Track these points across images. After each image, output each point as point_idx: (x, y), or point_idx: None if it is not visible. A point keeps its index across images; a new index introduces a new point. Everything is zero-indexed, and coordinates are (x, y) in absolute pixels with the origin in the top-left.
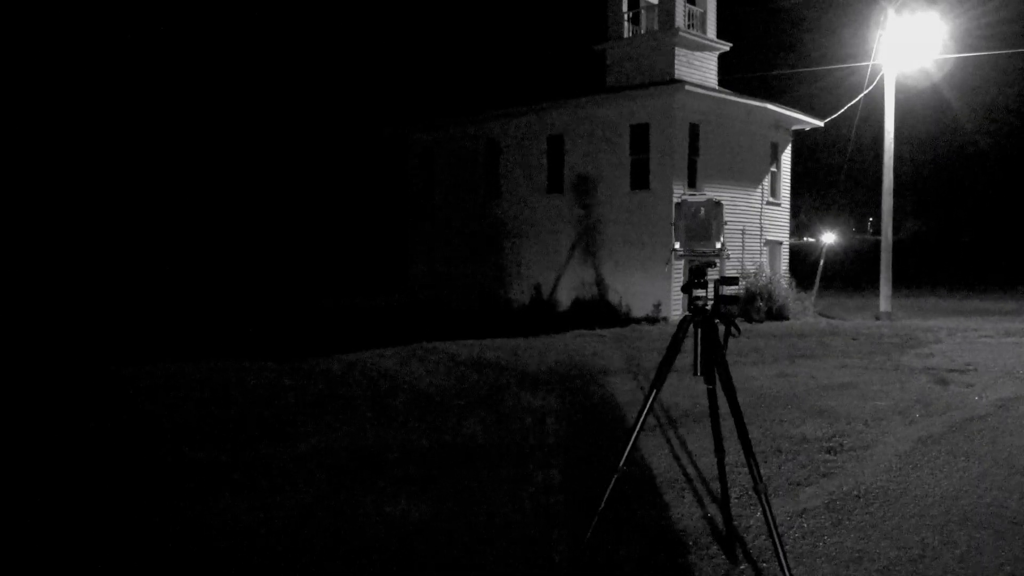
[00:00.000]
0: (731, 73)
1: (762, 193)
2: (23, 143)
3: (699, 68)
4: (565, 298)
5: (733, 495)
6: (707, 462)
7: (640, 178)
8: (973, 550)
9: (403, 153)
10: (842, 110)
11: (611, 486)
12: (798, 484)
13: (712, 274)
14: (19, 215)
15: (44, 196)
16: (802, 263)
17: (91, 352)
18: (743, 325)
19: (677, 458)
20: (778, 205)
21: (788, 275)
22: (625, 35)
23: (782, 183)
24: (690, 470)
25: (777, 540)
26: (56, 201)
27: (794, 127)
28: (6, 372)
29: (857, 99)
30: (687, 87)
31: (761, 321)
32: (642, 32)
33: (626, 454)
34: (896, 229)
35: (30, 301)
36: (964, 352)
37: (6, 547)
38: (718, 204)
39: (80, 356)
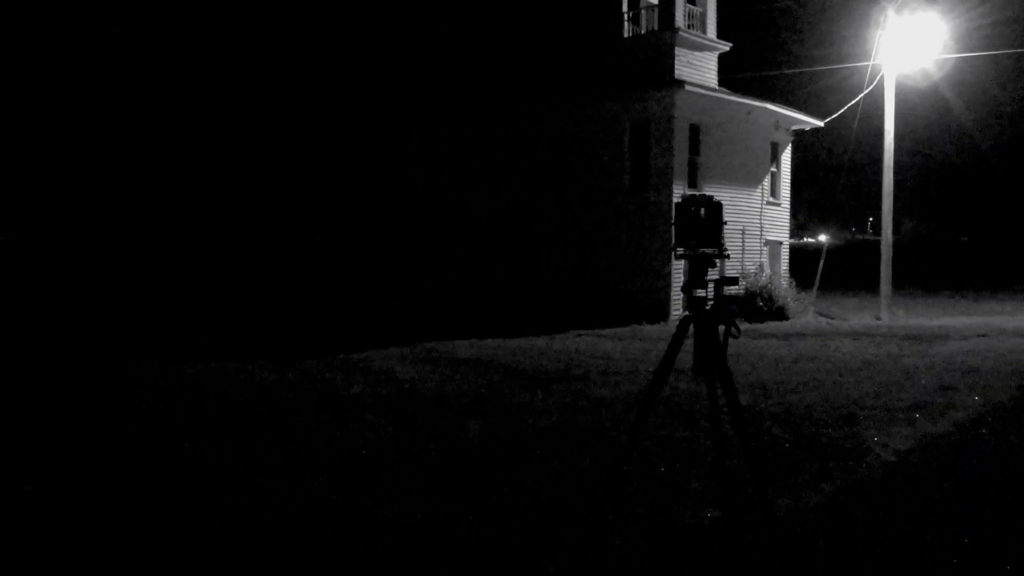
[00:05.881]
0: (731, 73)
1: (762, 193)
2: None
3: (699, 68)
4: (565, 297)
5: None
6: (708, 461)
7: (640, 178)
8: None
9: (405, 152)
10: (842, 110)
11: (609, 484)
12: (797, 484)
13: (712, 274)
14: (67, 216)
15: (73, 197)
16: (802, 263)
17: (99, 350)
18: (743, 325)
19: (678, 457)
20: (778, 205)
21: (788, 275)
22: (625, 35)
23: (782, 183)
24: (692, 470)
25: (776, 538)
26: (69, 202)
27: (794, 127)
28: (22, 371)
29: (857, 99)
30: (687, 87)
31: (761, 321)
32: (642, 32)
33: (626, 455)
34: (896, 229)
35: (55, 299)
36: (964, 352)
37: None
38: (718, 204)
39: (86, 354)
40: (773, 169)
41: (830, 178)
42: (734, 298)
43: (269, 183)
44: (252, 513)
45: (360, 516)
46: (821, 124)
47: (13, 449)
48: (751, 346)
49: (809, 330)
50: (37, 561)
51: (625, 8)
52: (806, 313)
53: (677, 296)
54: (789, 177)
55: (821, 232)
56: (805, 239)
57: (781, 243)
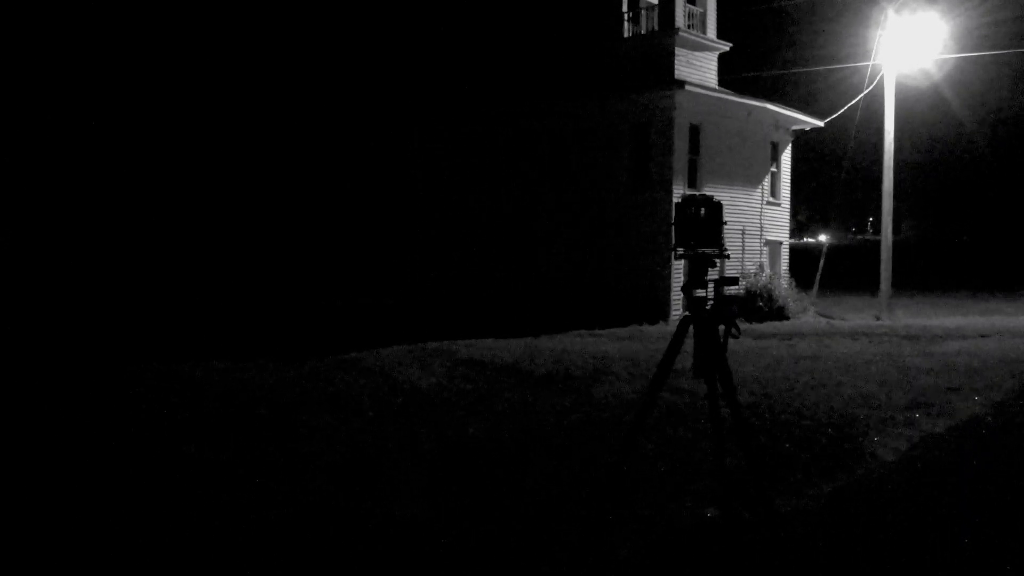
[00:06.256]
0: (731, 73)
1: (762, 193)
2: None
3: (699, 68)
4: (565, 297)
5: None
6: (708, 461)
7: (640, 178)
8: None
9: (405, 152)
10: (842, 110)
11: (609, 483)
12: (797, 484)
13: (712, 274)
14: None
15: (66, 198)
16: (802, 263)
17: (98, 350)
18: (743, 325)
19: (678, 457)
20: (778, 205)
21: (788, 275)
22: (625, 35)
23: (782, 183)
24: (691, 469)
25: (777, 538)
26: (69, 202)
27: (794, 127)
28: (22, 371)
29: (857, 99)
30: (687, 87)
31: (761, 321)
32: (642, 32)
33: (626, 455)
34: (896, 229)
35: (55, 299)
36: (965, 353)
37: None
38: (718, 204)
39: (86, 355)
40: (773, 169)
41: (830, 178)
42: (734, 298)
43: (269, 183)
44: (252, 513)
45: (360, 516)
46: (821, 124)
47: (14, 449)
48: (751, 346)
49: (809, 330)
50: (39, 561)
51: (625, 8)
52: (806, 313)
53: (677, 296)
54: (789, 177)
55: (821, 232)
56: (805, 239)
57: (781, 243)
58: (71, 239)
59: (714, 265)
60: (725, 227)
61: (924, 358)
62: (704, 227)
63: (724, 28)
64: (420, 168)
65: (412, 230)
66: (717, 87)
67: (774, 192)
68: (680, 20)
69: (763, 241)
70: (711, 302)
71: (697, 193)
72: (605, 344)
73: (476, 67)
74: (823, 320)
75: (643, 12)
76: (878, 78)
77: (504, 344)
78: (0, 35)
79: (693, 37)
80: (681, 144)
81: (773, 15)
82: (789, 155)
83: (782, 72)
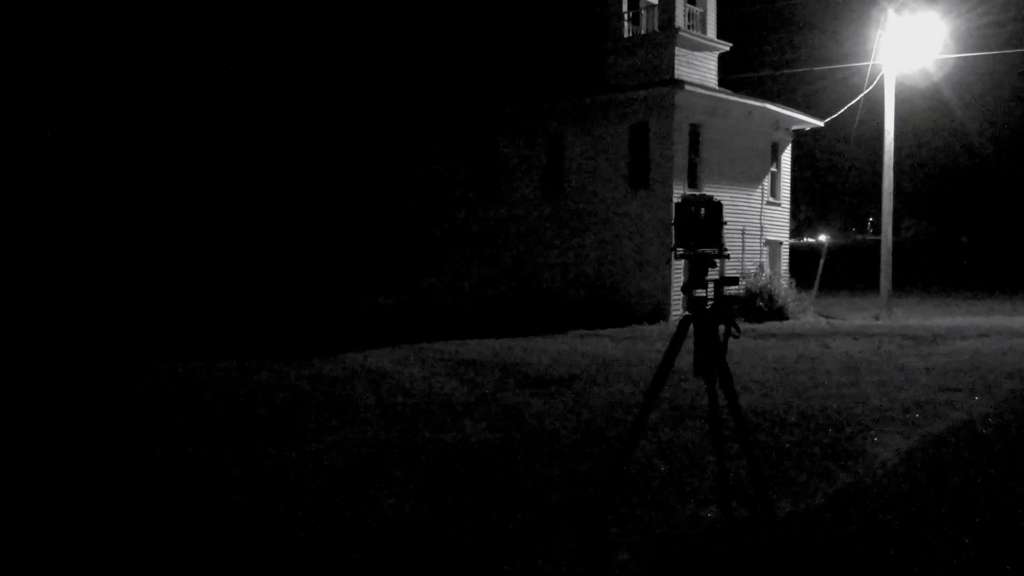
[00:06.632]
0: (731, 73)
1: (762, 193)
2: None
3: (699, 68)
4: (565, 297)
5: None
6: (708, 461)
7: (640, 178)
8: None
9: (405, 152)
10: (842, 110)
11: (609, 484)
12: (797, 484)
13: (712, 274)
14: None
15: (63, 198)
16: (802, 263)
17: (98, 350)
18: (743, 325)
19: (678, 458)
20: (778, 205)
21: (788, 275)
22: (625, 35)
23: (782, 183)
24: (692, 470)
25: (777, 538)
26: (68, 202)
27: (794, 127)
28: (23, 371)
29: (857, 99)
30: (687, 87)
31: (761, 321)
32: (642, 32)
33: (626, 455)
34: (896, 229)
35: (55, 299)
36: (965, 352)
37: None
38: (718, 204)
39: (87, 354)
40: (773, 169)
41: (830, 178)
42: (734, 298)
43: (269, 184)
44: (252, 513)
45: (360, 516)
46: (821, 124)
47: (15, 449)
48: (751, 346)
49: (809, 330)
50: (39, 561)
51: (625, 8)
52: (806, 313)
53: (677, 296)
54: (789, 177)
55: (821, 232)
56: (805, 239)
57: (781, 243)
58: (72, 239)
59: (714, 265)
60: (725, 227)
61: (924, 358)
62: (704, 227)
63: (724, 28)
64: (420, 168)
65: (412, 231)
66: (717, 87)
67: (774, 192)
68: (680, 20)
69: (763, 241)
70: (711, 302)
71: (697, 193)
72: (605, 344)
73: (476, 67)
74: (823, 320)
75: (643, 12)
76: (878, 78)
77: (504, 344)
78: (0, 35)
79: (693, 37)
80: (681, 144)
81: (773, 15)
82: (789, 155)
83: (782, 72)
